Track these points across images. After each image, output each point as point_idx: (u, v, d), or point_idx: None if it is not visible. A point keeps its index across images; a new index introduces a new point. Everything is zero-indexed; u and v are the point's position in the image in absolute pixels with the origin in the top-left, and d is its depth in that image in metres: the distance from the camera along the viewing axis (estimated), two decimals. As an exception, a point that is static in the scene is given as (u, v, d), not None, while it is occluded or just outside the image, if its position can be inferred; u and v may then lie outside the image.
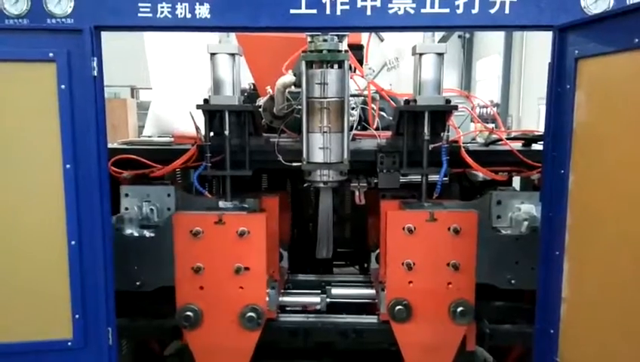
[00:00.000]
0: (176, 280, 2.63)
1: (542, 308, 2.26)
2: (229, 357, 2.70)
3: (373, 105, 3.08)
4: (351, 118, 2.88)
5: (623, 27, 1.82)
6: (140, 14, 2.19)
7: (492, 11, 2.20)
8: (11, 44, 2.13)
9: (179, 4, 2.19)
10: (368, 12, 2.20)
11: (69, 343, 2.31)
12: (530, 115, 14.13)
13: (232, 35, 2.93)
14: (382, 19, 2.21)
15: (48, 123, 2.18)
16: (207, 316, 2.64)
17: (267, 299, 2.70)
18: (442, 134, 2.74)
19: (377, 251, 2.98)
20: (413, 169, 2.78)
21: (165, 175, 3.01)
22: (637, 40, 1.74)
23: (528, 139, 3.04)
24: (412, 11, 2.20)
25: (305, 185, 2.99)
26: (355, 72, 3.30)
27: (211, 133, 2.81)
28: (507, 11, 2.20)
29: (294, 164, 2.77)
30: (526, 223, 2.69)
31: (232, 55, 2.78)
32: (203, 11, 2.20)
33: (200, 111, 2.75)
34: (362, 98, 3.17)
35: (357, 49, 3.37)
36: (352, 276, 3.56)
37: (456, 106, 2.76)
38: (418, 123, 2.74)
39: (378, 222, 2.85)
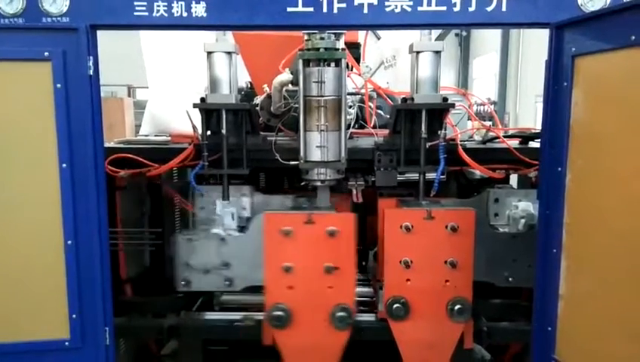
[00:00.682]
0: (265, 280, 2.63)
1: (539, 306, 2.26)
2: (318, 356, 2.70)
3: (370, 104, 3.08)
4: (348, 117, 2.87)
5: (620, 25, 1.83)
6: (135, 13, 2.19)
7: (489, 9, 2.20)
8: (6, 43, 2.12)
9: (175, 2, 2.18)
10: (365, 10, 2.20)
11: (67, 343, 2.31)
12: (528, 113, 14.14)
13: (229, 33, 2.92)
14: (379, 17, 2.20)
15: (44, 122, 2.17)
16: (297, 316, 2.63)
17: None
18: (439, 132, 2.74)
19: (375, 249, 2.98)
20: (410, 167, 2.78)
21: (162, 174, 3.00)
22: (634, 37, 1.74)
23: (525, 137, 3.04)
24: (409, 9, 2.20)
25: (302, 183, 2.98)
26: (352, 70, 3.29)
27: (208, 132, 2.80)
28: (504, 9, 2.20)
29: (292, 162, 2.77)
30: (523, 221, 2.70)
31: (229, 53, 2.77)
32: (199, 10, 2.19)
33: (197, 109, 2.75)
34: (359, 96, 3.16)
35: (354, 47, 3.36)
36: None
37: (454, 104, 2.76)
38: (415, 121, 2.74)
39: (375, 221, 2.85)
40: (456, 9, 2.20)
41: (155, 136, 3.48)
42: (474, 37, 18.81)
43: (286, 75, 2.85)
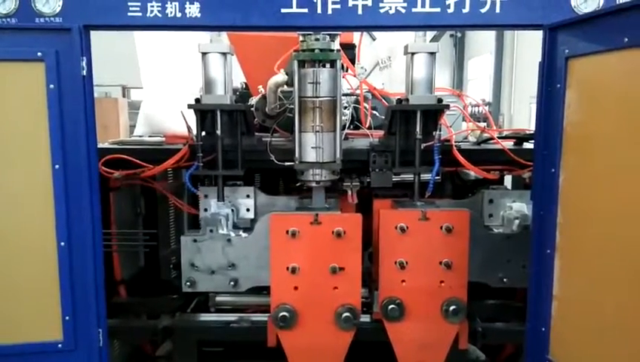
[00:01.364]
0: (271, 280, 2.63)
1: (533, 307, 2.27)
2: (323, 357, 2.70)
3: (365, 105, 3.08)
4: (343, 118, 2.87)
5: (613, 26, 1.84)
6: (129, 13, 2.18)
7: (483, 10, 2.21)
8: (-1, 43, 2.11)
9: (169, 3, 2.17)
10: (359, 11, 2.20)
11: (60, 345, 2.29)
12: (522, 114, 14.19)
13: (224, 33, 2.92)
14: (373, 18, 2.20)
15: (37, 123, 2.16)
16: (302, 316, 2.63)
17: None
18: (434, 133, 2.75)
19: (370, 250, 2.98)
20: (405, 168, 2.78)
21: (157, 175, 2.99)
22: (627, 39, 1.75)
23: (519, 138, 3.05)
24: (403, 10, 2.20)
25: (297, 184, 2.98)
26: (347, 71, 3.29)
27: (203, 133, 2.79)
28: (498, 10, 2.21)
29: (287, 163, 2.76)
30: (517, 221, 2.70)
31: (224, 54, 2.76)
32: (193, 10, 2.18)
33: (192, 110, 2.74)
34: (354, 97, 3.17)
35: (349, 48, 3.36)
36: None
37: (448, 105, 2.76)
38: (410, 122, 2.74)
39: (370, 221, 2.85)
40: (451, 10, 2.20)
41: (150, 136, 3.47)
42: (469, 38, 18.87)
43: (281, 76, 2.85)
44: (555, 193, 2.11)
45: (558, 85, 2.09)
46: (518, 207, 2.79)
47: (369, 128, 3.09)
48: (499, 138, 3.04)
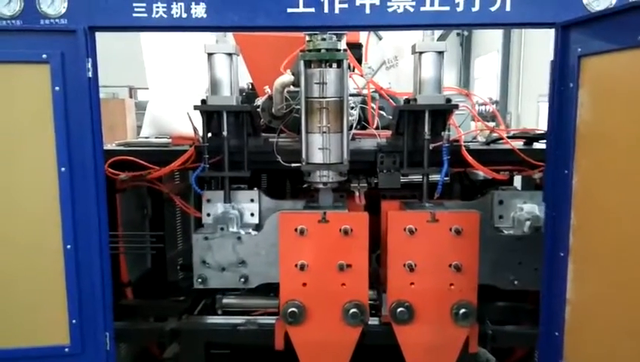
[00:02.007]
0: (280, 277, 2.65)
1: (546, 311, 2.23)
2: (331, 352, 2.71)
3: (372, 105, 3.05)
4: (350, 118, 2.84)
5: (626, 25, 1.79)
6: (134, 14, 2.16)
7: (493, 9, 2.17)
8: (4, 45, 2.10)
9: (174, 3, 2.15)
10: (367, 10, 2.17)
11: (67, 349, 2.29)
12: (530, 113, 14.09)
13: (230, 34, 2.90)
14: (381, 17, 2.17)
15: (42, 125, 2.15)
16: (311, 312, 2.65)
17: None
18: (443, 133, 2.71)
19: (378, 252, 2.95)
20: (413, 169, 2.75)
21: (163, 176, 2.97)
22: (641, 37, 1.70)
23: (530, 138, 3.01)
24: (412, 9, 2.17)
25: (304, 185, 2.96)
26: (354, 71, 3.26)
27: (209, 134, 2.77)
28: (508, 9, 2.17)
29: (293, 164, 2.74)
30: (528, 223, 2.65)
31: (230, 55, 2.75)
32: (199, 11, 2.16)
33: (198, 111, 2.72)
34: (361, 97, 3.13)
35: (356, 48, 3.33)
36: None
37: (457, 105, 2.72)
38: (418, 122, 2.71)
39: (378, 223, 2.82)
40: (460, 9, 2.17)
41: (156, 138, 3.46)
42: (475, 37, 18.78)
43: (287, 76, 2.83)
44: (569, 194, 2.06)
45: (571, 84, 2.05)
46: (529, 208, 2.74)
47: (376, 128, 3.06)
48: (508, 138, 2.99)
